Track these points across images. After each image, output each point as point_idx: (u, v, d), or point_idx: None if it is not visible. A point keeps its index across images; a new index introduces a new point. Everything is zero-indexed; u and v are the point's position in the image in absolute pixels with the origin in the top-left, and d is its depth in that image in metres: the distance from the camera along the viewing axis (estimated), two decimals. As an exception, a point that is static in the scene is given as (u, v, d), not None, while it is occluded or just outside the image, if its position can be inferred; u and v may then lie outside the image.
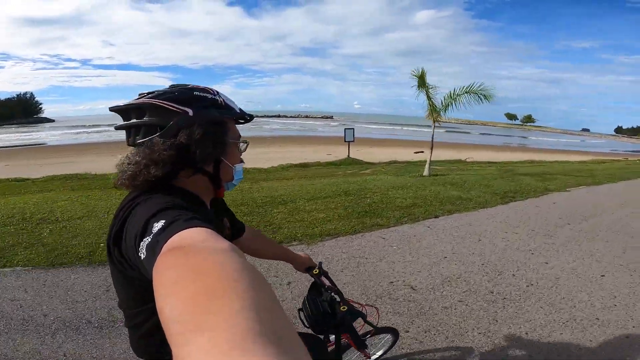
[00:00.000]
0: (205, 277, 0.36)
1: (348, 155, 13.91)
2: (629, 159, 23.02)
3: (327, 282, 1.30)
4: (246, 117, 0.84)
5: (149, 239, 0.54)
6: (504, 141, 43.73)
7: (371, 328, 1.39)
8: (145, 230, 0.57)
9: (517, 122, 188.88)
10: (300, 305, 1.28)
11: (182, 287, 0.36)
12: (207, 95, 0.77)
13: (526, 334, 2.35)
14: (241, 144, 0.85)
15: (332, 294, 1.23)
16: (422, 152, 21.19)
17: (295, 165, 11.37)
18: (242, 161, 0.87)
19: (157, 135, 0.71)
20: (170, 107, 0.71)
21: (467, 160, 16.00)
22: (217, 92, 0.79)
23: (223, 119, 0.78)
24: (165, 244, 0.49)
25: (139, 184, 0.72)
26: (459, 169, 11.32)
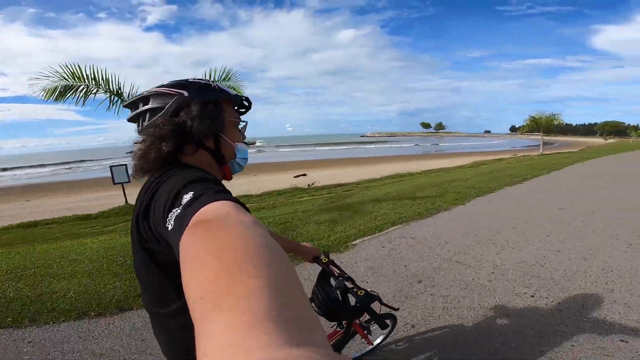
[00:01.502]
0: (229, 253, 0.36)
1: (126, 202, 10.23)
2: (518, 154, 22.81)
3: (336, 271, 1.31)
4: (244, 102, 0.88)
5: (179, 210, 0.53)
6: (411, 150, 44.08)
7: (376, 313, 1.29)
8: (175, 201, 0.56)
9: (431, 129, 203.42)
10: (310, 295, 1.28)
11: (206, 264, 0.36)
12: (200, 80, 0.82)
13: None
14: (240, 125, 0.88)
15: (344, 281, 1.23)
16: (305, 174, 18.25)
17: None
18: (245, 143, 0.88)
19: (158, 116, 0.76)
20: (168, 91, 0.77)
21: (310, 185, 12.54)
22: (212, 80, 0.85)
23: (217, 99, 0.81)
24: (194, 216, 0.48)
25: (151, 162, 0.74)
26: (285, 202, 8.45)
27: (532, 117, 25.84)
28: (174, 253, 0.49)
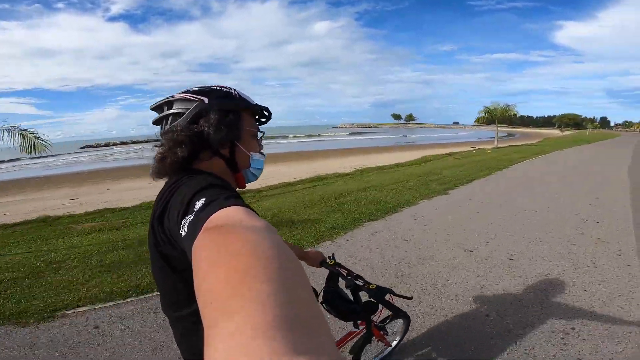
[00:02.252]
0: (239, 257, 0.36)
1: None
2: (475, 147, 21.41)
3: (344, 271, 1.30)
4: (264, 112, 0.88)
5: (191, 217, 0.55)
6: (372, 142, 42.67)
7: (389, 314, 1.35)
8: (188, 208, 0.58)
9: (402, 121, 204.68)
10: (320, 299, 1.28)
11: (216, 268, 0.36)
12: (222, 88, 0.83)
13: None
14: (259, 135, 0.88)
15: (354, 280, 1.22)
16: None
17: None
18: (262, 153, 0.89)
19: (178, 121, 0.78)
20: (190, 97, 0.79)
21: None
22: (234, 89, 0.85)
23: (237, 107, 0.82)
24: (205, 222, 0.49)
25: (168, 165, 0.75)
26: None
27: (487, 108, 24.54)
28: (188, 259, 0.49)
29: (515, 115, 24.36)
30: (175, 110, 0.79)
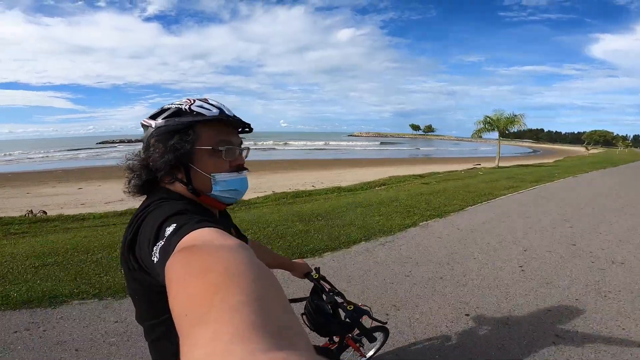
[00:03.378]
0: (211, 273, 0.37)
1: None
2: (475, 166, 17.44)
3: (327, 286, 1.30)
4: (233, 121, 0.79)
5: (162, 242, 0.55)
6: (383, 154, 38.67)
7: (365, 327, 1.24)
8: (158, 235, 0.58)
9: (420, 132, 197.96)
10: (302, 310, 1.31)
11: (189, 284, 0.37)
12: (173, 105, 0.78)
13: None
14: (224, 151, 0.77)
15: (334, 296, 1.23)
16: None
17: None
18: (236, 169, 0.81)
19: (139, 150, 0.79)
20: (144, 123, 0.78)
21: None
22: (193, 101, 0.78)
23: (185, 125, 0.75)
24: (177, 245, 0.50)
25: (131, 188, 0.78)
26: None
27: (488, 117, 20.05)
28: (161, 283, 0.49)
29: (521, 126, 19.69)
30: (141, 138, 0.80)
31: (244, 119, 0.80)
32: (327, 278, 1.36)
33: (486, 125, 20.19)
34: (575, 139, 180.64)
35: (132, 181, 0.78)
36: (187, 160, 0.75)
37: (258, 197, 8.56)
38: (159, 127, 0.75)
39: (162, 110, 0.78)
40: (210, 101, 0.79)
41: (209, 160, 0.77)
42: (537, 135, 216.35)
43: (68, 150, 52.39)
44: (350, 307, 1.16)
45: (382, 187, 11.08)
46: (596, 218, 6.33)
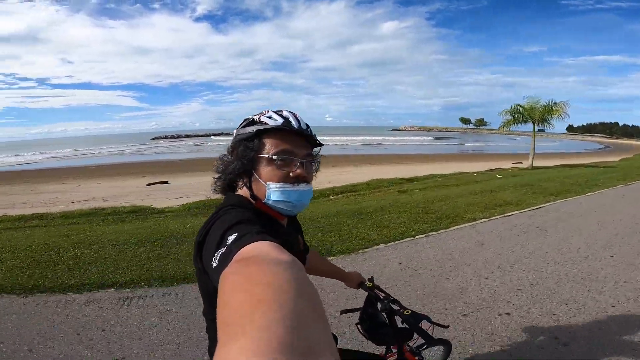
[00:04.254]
0: (257, 287, 0.39)
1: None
2: (507, 167, 14.83)
3: (381, 294, 1.27)
4: (292, 129, 0.81)
5: (223, 250, 0.60)
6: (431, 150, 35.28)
7: (424, 331, 1.20)
8: (221, 241, 0.63)
9: (471, 125, 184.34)
10: (357, 320, 1.29)
11: (234, 295, 0.39)
12: (251, 117, 0.83)
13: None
14: (278, 160, 0.79)
15: (390, 303, 1.19)
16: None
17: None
18: (293, 180, 0.80)
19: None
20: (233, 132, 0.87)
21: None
22: (267, 111, 0.82)
23: (254, 134, 0.80)
24: (236, 255, 0.54)
25: (216, 187, 0.88)
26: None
27: (518, 105, 15.94)
28: (215, 286, 0.53)
29: (561, 115, 15.34)
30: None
31: (277, 110, 0.82)
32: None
33: (516, 116, 16.12)
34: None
35: (217, 182, 0.87)
36: (250, 167, 0.80)
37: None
38: (235, 136, 0.83)
39: (244, 121, 0.84)
40: (283, 112, 0.82)
41: (266, 169, 0.79)
42: (611, 129, 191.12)
43: (119, 145, 55.53)
44: (407, 312, 1.12)
45: (338, 196, 8.41)
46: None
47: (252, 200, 0.82)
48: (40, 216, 6.39)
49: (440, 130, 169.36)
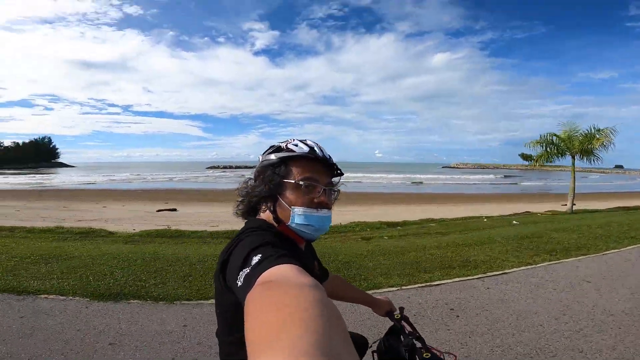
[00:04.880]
0: (283, 307, 0.41)
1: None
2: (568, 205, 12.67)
3: (408, 328, 1.24)
4: (317, 157, 0.85)
5: (248, 270, 0.62)
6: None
7: None
8: (245, 262, 0.65)
9: (532, 162, 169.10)
10: (374, 347, 1.25)
11: (261, 316, 0.41)
12: (276, 143, 0.89)
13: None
14: (304, 186, 0.83)
15: (414, 339, 1.13)
16: None
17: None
18: (316, 206, 0.84)
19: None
20: (259, 157, 0.91)
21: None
22: (292, 140, 0.87)
23: (281, 160, 0.84)
24: (259, 277, 0.56)
25: (238, 211, 0.91)
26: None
27: (552, 134, 13.06)
28: (239, 303, 0.59)
29: (606, 143, 12.20)
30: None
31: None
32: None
33: (549, 148, 13.24)
34: None
35: (240, 205, 0.90)
36: (276, 191, 0.83)
37: None
38: (262, 161, 0.87)
39: (270, 148, 0.89)
40: (308, 141, 0.88)
41: (292, 194, 0.83)
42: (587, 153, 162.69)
43: (176, 172, 60.97)
44: (426, 355, 1.05)
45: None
46: None
47: (275, 223, 0.84)
48: (11, 229, 7.28)
49: (497, 168, 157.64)
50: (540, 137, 13.31)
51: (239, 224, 0.93)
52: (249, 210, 0.88)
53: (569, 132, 12.85)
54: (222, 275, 0.74)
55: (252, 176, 0.89)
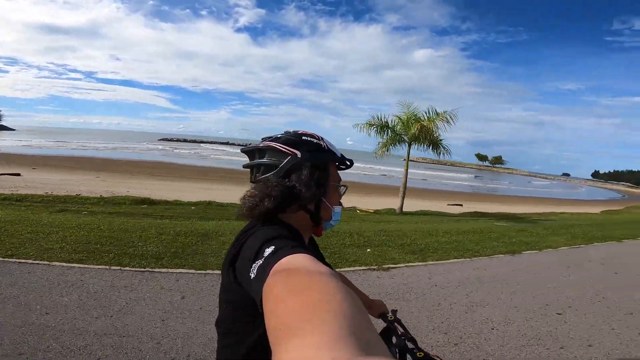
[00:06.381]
0: (304, 294, 0.41)
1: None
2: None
3: (400, 329, 1.17)
4: (347, 163, 0.87)
5: (261, 262, 0.59)
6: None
7: None
8: (258, 254, 0.62)
9: (487, 163, 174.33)
10: None
11: (284, 303, 0.40)
12: (312, 139, 0.82)
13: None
14: (341, 188, 0.87)
15: (406, 341, 1.10)
16: None
17: None
18: (341, 204, 0.88)
19: (272, 174, 0.78)
20: (283, 149, 0.78)
21: None
22: (322, 138, 0.84)
23: (326, 161, 0.82)
24: (274, 266, 0.54)
25: (256, 214, 0.78)
26: None
27: (394, 117, 10.29)
28: (250, 296, 0.59)
29: (435, 130, 9.54)
30: (267, 161, 0.79)
31: (313, 132, 0.83)
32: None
33: (383, 132, 10.36)
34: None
35: (259, 209, 0.77)
36: (323, 194, 0.81)
37: None
38: (305, 159, 0.78)
39: (302, 141, 0.80)
40: (325, 139, 0.85)
41: (334, 195, 0.84)
42: (639, 178, 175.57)
43: (116, 142, 54.93)
44: (420, 355, 1.01)
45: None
46: None
47: (314, 223, 0.82)
48: None
49: (453, 165, 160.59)
50: (373, 118, 10.37)
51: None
52: (269, 213, 0.77)
53: (407, 114, 10.04)
54: (232, 269, 0.71)
55: (275, 172, 0.78)
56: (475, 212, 11.86)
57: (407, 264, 4.57)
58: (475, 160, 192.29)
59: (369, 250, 4.97)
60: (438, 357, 1.04)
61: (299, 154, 0.77)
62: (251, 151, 0.82)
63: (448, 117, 9.54)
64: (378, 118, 10.28)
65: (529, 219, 10.86)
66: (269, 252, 0.59)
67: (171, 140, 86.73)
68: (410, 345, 1.08)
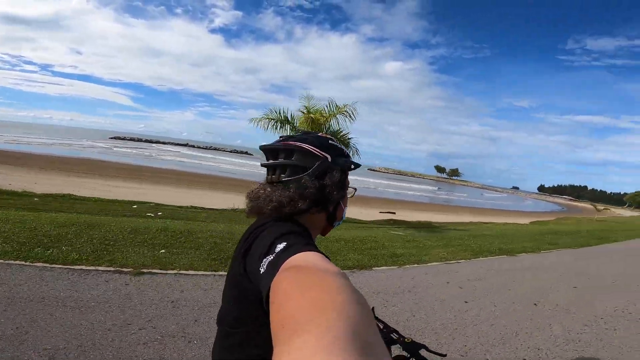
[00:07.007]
0: (312, 292, 0.40)
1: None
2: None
3: (380, 324, 1.20)
4: (353, 166, 0.88)
5: (271, 257, 0.59)
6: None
7: (424, 358, 1.14)
8: (269, 249, 0.61)
9: (444, 175, 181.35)
10: None
11: (293, 298, 0.40)
12: (337, 144, 0.84)
13: None
14: (350, 190, 0.88)
15: (389, 333, 1.15)
16: None
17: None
18: (346, 205, 0.91)
19: (305, 175, 0.77)
20: (315, 152, 0.78)
21: None
22: (337, 142, 0.86)
23: (349, 166, 0.84)
24: (285, 262, 0.54)
25: (285, 213, 0.76)
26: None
27: (300, 111, 9.06)
28: (258, 292, 0.57)
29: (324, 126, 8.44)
30: (295, 163, 0.78)
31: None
32: None
33: (280, 127, 9.10)
34: (620, 199, 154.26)
35: (289, 208, 0.75)
36: (344, 197, 0.84)
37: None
38: (335, 164, 0.79)
39: (330, 146, 0.81)
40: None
41: (346, 197, 0.87)
42: (579, 192, 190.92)
43: (60, 138, 49.19)
44: (408, 340, 1.09)
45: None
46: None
47: (329, 223, 0.85)
48: None
49: (413, 176, 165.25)
50: (271, 111, 9.07)
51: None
52: (300, 212, 0.76)
53: (309, 108, 8.85)
54: (242, 264, 0.71)
55: (307, 174, 0.77)
56: (391, 220, 10.92)
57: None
58: (434, 172, 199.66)
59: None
60: (421, 343, 1.10)
61: (329, 157, 0.79)
62: (274, 150, 0.81)
63: (348, 110, 8.49)
64: (277, 112, 8.99)
65: (442, 228, 10.06)
66: (280, 248, 0.59)
67: (124, 139, 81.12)
68: (394, 336, 1.11)
